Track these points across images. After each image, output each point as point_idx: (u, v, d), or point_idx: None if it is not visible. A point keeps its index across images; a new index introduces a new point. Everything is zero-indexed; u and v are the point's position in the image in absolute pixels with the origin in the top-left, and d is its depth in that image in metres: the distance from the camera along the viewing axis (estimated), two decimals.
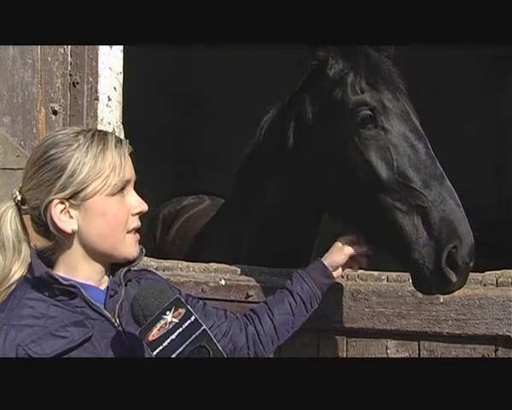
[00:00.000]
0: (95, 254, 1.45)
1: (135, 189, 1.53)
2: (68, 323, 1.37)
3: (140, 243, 1.60)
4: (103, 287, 1.49)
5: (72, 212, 1.42)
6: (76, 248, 1.45)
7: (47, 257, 1.48)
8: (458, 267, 1.64)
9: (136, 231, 1.51)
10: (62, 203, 1.41)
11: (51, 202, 1.41)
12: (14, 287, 1.43)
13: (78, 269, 1.45)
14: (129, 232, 1.48)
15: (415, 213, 1.71)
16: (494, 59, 6.13)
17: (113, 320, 1.44)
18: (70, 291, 1.39)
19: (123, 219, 1.46)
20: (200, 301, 1.75)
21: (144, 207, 1.51)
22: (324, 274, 1.84)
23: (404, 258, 1.73)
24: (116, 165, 1.43)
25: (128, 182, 1.47)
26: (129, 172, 1.47)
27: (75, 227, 1.42)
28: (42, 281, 1.39)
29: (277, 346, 1.81)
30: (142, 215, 1.53)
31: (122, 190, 1.46)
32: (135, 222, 1.50)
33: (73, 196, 1.40)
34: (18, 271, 1.44)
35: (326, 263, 1.85)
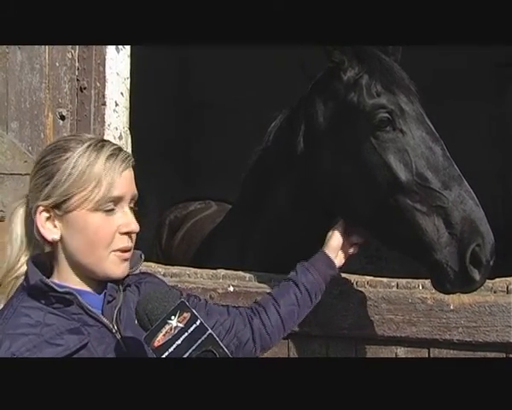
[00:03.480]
0: (78, 266, 1.43)
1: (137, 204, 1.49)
2: (64, 330, 1.34)
3: (140, 249, 1.59)
4: (100, 293, 1.46)
5: (56, 221, 1.41)
6: (63, 258, 1.44)
7: (44, 263, 1.46)
8: (482, 265, 1.66)
9: (128, 250, 1.44)
10: (48, 211, 1.41)
11: (37, 207, 1.41)
12: (21, 279, 1.42)
13: (68, 278, 1.44)
14: (115, 251, 1.42)
15: (435, 213, 1.73)
16: (497, 65, 6.12)
17: (111, 326, 1.42)
18: (66, 298, 1.37)
19: (105, 236, 1.40)
20: (202, 300, 1.73)
21: (135, 227, 1.43)
22: (328, 265, 1.86)
23: (426, 259, 1.74)
24: (102, 181, 1.38)
25: (120, 199, 1.41)
26: (121, 189, 1.41)
27: (56, 237, 1.41)
28: (37, 289, 1.37)
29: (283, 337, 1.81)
30: (138, 234, 1.47)
31: (110, 208, 1.40)
32: (123, 242, 1.43)
33: (56, 205, 1.39)
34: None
35: (327, 252, 1.88)
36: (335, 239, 1.90)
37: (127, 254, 1.45)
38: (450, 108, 5.79)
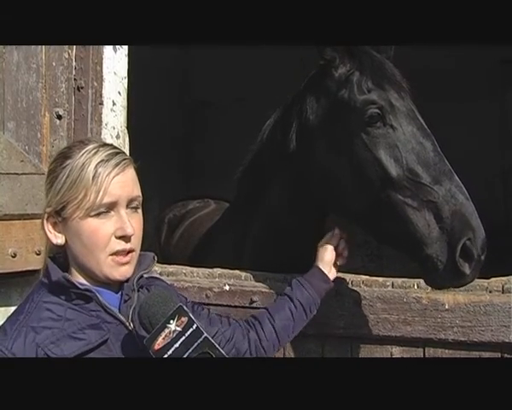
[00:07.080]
0: (83, 269, 1.47)
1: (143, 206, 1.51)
2: (85, 325, 1.40)
3: (146, 249, 1.61)
4: (117, 292, 1.51)
5: (60, 226, 1.46)
6: (71, 260, 1.49)
7: (62, 263, 1.50)
8: (472, 259, 1.67)
9: (126, 253, 1.46)
10: (53, 217, 1.46)
11: (44, 213, 1.47)
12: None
13: (81, 279, 1.48)
14: (112, 255, 1.44)
15: (426, 208, 1.74)
16: (501, 62, 6.10)
17: (128, 324, 1.46)
18: (86, 295, 1.43)
19: (100, 240, 1.43)
20: (205, 309, 1.78)
21: (129, 231, 1.43)
22: (322, 279, 1.90)
23: (417, 254, 1.75)
24: (91, 189, 1.40)
25: (113, 204, 1.43)
26: (113, 194, 1.42)
27: (60, 241, 1.47)
28: (59, 285, 1.43)
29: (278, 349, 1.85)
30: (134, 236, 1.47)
31: (105, 212, 1.42)
32: (120, 245, 1.44)
33: (57, 212, 1.44)
34: None
35: (321, 267, 1.91)
36: (328, 254, 1.93)
37: (126, 258, 1.46)
38: (450, 108, 5.78)
